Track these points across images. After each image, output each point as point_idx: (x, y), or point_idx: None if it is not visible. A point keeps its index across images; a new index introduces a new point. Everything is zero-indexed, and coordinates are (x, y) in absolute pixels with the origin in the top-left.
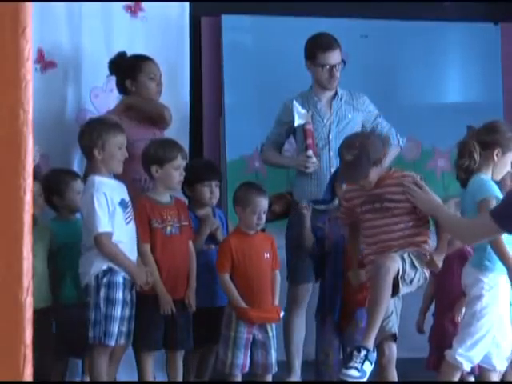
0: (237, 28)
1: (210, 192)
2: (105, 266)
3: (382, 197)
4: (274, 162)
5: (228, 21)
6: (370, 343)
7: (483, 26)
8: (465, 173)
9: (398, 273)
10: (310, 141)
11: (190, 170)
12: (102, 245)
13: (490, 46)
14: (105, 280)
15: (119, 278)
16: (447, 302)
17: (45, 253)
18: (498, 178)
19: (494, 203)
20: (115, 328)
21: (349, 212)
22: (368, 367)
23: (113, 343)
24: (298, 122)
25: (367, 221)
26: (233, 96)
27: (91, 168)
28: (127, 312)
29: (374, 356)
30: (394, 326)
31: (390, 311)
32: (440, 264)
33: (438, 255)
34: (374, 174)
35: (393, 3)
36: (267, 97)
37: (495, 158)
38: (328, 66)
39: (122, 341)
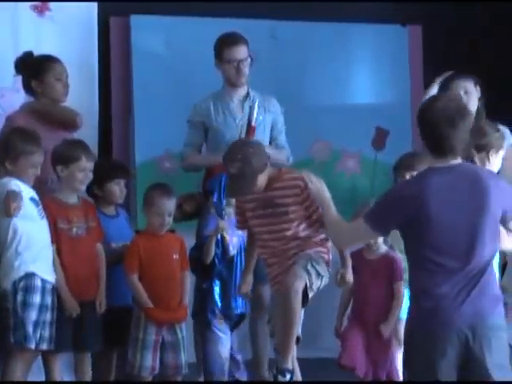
0: (146, 28)
1: (120, 190)
2: (22, 273)
3: (273, 201)
4: (202, 163)
5: (137, 21)
6: (290, 363)
7: (391, 28)
8: None
9: (305, 286)
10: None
11: (99, 169)
12: None
13: (398, 48)
14: (22, 284)
15: (37, 282)
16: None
17: None
18: None
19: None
20: (35, 332)
21: (241, 213)
22: None
23: (33, 346)
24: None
25: (259, 226)
26: (142, 98)
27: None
28: (48, 316)
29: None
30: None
31: None
32: (351, 278)
33: (346, 269)
34: (262, 179)
35: (302, 4)
36: (177, 98)
37: None
38: (235, 62)
39: (45, 346)
